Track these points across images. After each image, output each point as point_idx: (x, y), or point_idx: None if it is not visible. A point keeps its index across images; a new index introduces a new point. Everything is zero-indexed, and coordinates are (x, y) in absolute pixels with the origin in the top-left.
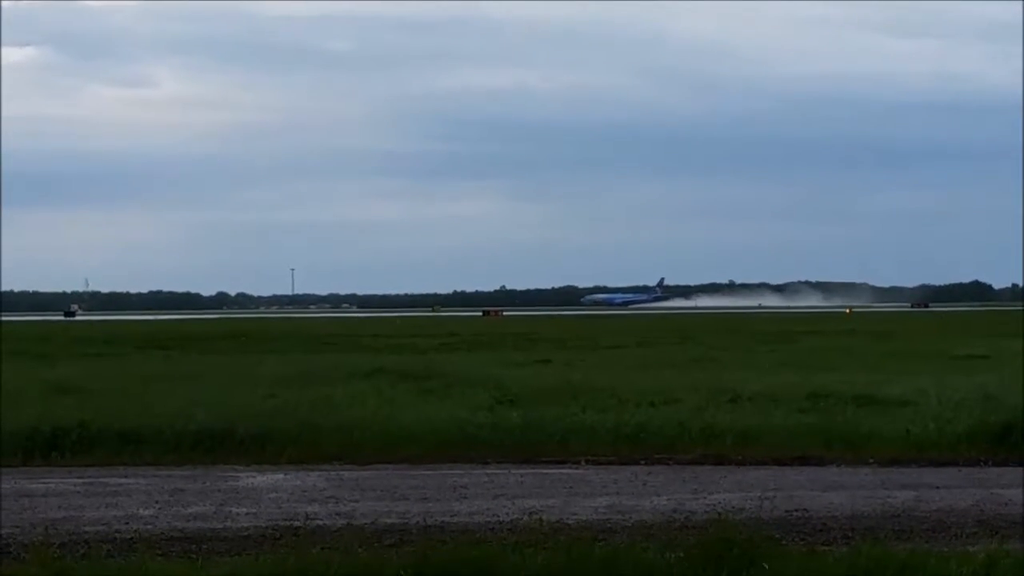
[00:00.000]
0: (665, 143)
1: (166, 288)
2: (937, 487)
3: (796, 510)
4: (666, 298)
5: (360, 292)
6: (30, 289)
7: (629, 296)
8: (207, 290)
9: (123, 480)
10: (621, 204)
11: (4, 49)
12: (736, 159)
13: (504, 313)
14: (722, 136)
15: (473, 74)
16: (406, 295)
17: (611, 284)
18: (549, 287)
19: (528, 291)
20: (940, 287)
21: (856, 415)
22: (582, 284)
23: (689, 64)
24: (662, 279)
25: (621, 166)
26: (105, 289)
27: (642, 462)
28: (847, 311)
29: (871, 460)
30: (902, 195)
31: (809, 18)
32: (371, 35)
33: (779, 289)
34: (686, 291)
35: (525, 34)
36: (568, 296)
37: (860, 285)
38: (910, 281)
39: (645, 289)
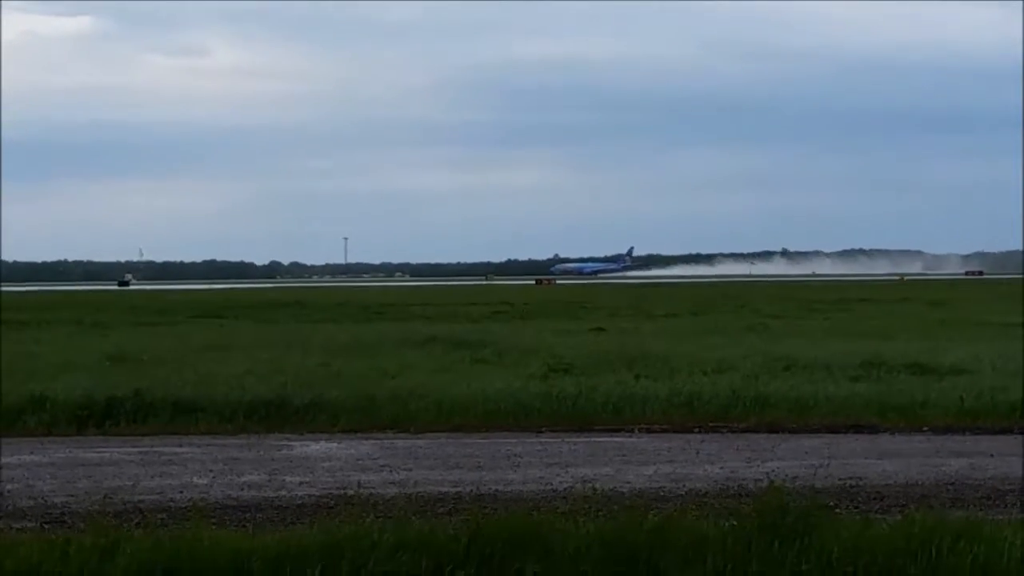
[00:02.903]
0: (720, 112)
1: (220, 257)
2: (991, 455)
3: (850, 478)
4: (635, 268)
5: (413, 261)
6: (84, 259)
7: (599, 265)
8: (260, 259)
9: (178, 449)
10: (675, 173)
11: (58, 19)
12: (791, 128)
13: (557, 282)
14: (777, 105)
15: (527, 44)
16: (459, 264)
17: (666, 252)
18: (602, 255)
19: (583, 259)
20: (995, 255)
21: (910, 383)
22: (637, 252)
23: (744, 32)
24: (631, 248)
25: (675, 135)
26: (159, 259)
27: (696, 430)
28: (900, 279)
29: (925, 428)
30: (958, 163)
31: None
32: (428, 5)
33: (832, 257)
34: (748, 258)
35: (579, 4)
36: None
37: (914, 252)
38: (964, 249)
39: (616, 258)
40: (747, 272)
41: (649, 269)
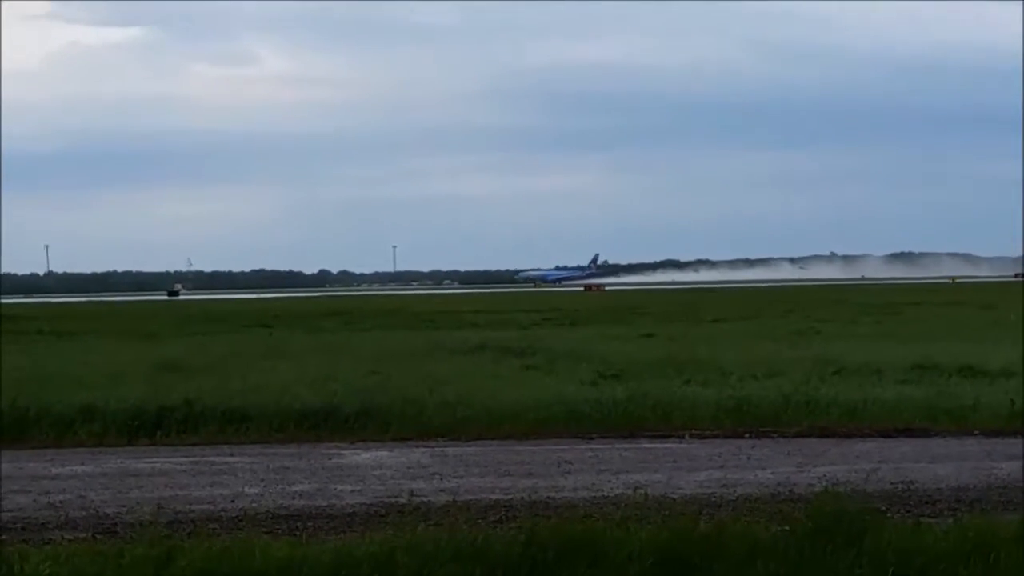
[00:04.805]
0: (767, 114)
1: (268, 267)
2: None
3: (902, 482)
4: (600, 274)
5: (462, 268)
6: (133, 269)
7: (563, 273)
8: (309, 268)
9: (228, 458)
10: (722, 176)
11: (109, 29)
12: (839, 128)
13: (606, 288)
14: (824, 106)
15: (574, 47)
16: (508, 271)
17: (713, 257)
18: (651, 261)
19: (631, 265)
20: None
21: (960, 386)
22: (684, 258)
23: (788, 34)
24: (596, 255)
25: (722, 137)
26: (208, 268)
27: (746, 435)
28: (951, 281)
29: (976, 431)
30: (1007, 164)
31: None
32: (473, 9)
33: (881, 259)
34: (808, 260)
35: (624, 6)
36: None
37: (963, 255)
38: (1015, 251)
39: (581, 265)
40: (797, 276)
41: (619, 275)
